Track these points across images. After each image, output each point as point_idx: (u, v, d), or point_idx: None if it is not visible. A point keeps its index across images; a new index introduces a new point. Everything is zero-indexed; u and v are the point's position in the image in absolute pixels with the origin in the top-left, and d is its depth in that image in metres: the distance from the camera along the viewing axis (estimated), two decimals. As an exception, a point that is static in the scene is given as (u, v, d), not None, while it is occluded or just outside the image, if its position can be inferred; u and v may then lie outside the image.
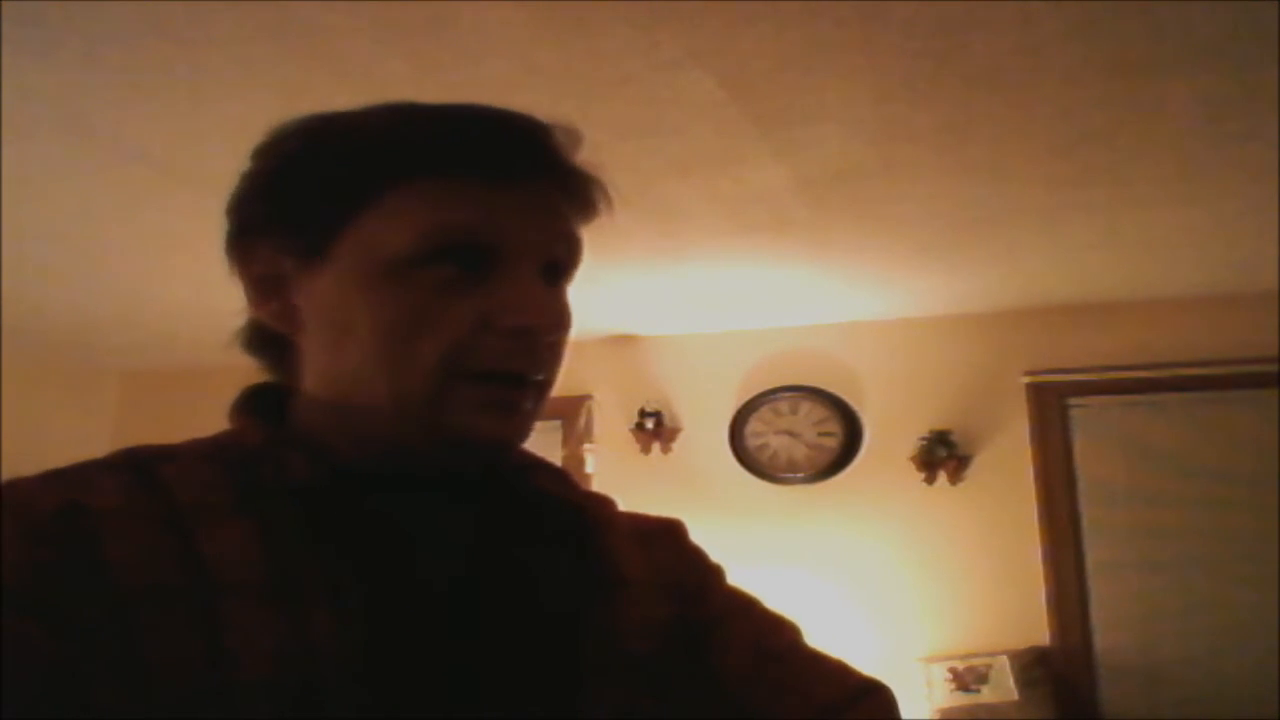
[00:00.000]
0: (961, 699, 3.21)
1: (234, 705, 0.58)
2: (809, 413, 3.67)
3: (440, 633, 0.66)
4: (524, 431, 0.70)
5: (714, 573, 0.83)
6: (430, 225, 0.66)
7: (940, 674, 3.27)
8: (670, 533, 0.84)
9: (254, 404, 0.73)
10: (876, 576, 3.51)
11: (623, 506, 0.84)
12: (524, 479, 0.77)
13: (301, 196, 0.68)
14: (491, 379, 0.67)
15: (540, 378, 0.69)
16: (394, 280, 0.66)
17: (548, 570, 0.73)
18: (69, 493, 0.61)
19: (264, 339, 0.74)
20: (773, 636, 0.79)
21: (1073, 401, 3.49)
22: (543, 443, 4.00)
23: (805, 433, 3.66)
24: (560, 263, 0.71)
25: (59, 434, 3.86)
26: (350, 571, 0.64)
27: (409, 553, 0.68)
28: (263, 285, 0.71)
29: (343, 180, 0.67)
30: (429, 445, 0.68)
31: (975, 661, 3.26)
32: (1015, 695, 3.17)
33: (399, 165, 0.67)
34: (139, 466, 0.65)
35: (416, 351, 0.66)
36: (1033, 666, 3.24)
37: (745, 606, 0.81)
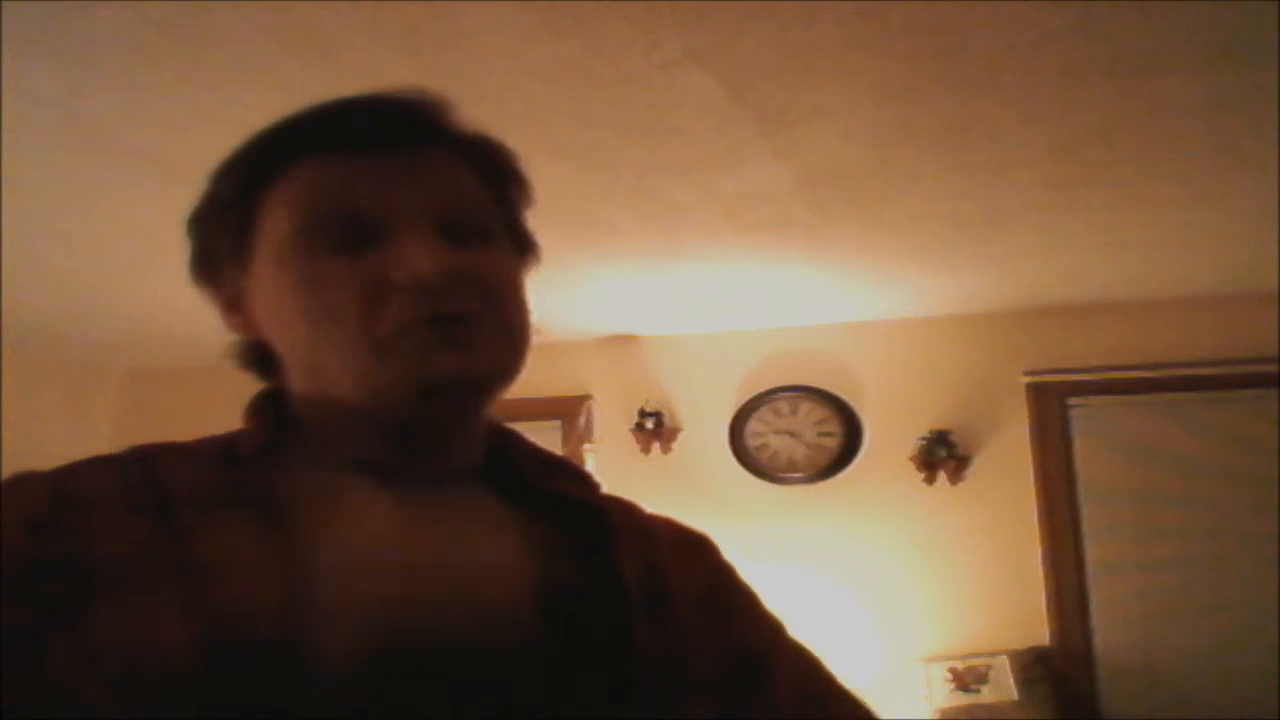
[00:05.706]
0: (961, 699, 3.21)
1: (217, 677, 0.57)
2: (809, 413, 3.67)
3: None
4: (486, 362, 0.69)
5: (752, 597, 0.83)
6: (306, 197, 0.69)
7: (940, 674, 3.27)
8: (704, 546, 0.83)
9: (267, 405, 0.74)
10: (876, 576, 3.51)
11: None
12: (543, 480, 0.76)
13: (224, 206, 0.72)
14: (420, 325, 0.66)
15: (478, 308, 0.68)
16: (292, 259, 0.68)
17: (573, 573, 0.72)
18: (61, 484, 0.63)
19: (251, 353, 0.76)
20: (815, 681, 0.80)
21: (1073, 401, 3.49)
22: (543, 443, 4.05)
23: (805, 433, 3.66)
24: (467, 223, 0.71)
25: (59, 434, 3.86)
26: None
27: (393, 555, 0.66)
28: (229, 303, 0.74)
29: (241, 182, 0.72)
30: (397, 401, 0.67)
31: (975, 661, 3.26)
32: (1015, 695, 3.17)
33: (278, 156, 0.71)
34: (141, 462, 0.67)
35: (339, 319, 0.67)
36: (1033, 666, 3.24)
37: (787, 641, 0.82)
